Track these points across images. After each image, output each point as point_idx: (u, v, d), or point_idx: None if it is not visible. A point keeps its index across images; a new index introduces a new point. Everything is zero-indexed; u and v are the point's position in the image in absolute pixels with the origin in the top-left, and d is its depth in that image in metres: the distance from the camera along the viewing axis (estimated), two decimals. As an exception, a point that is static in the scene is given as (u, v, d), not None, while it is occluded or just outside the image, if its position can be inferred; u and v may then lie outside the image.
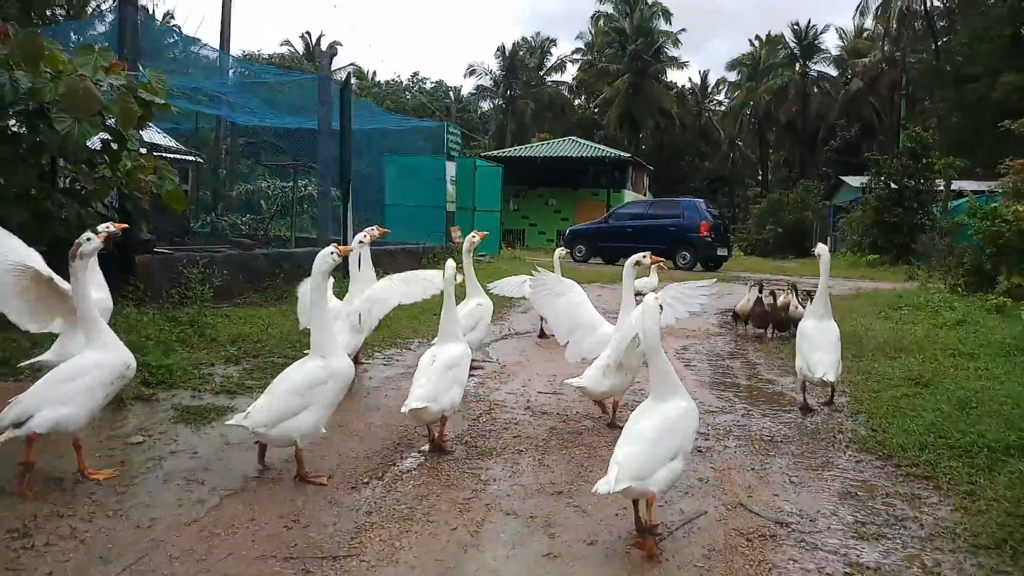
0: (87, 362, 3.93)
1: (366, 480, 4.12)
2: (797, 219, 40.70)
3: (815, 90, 58.26)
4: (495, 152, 40.49)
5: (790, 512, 3.87)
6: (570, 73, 65.01)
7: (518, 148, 41.31)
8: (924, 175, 26.52)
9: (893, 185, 27.24)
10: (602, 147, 39.63)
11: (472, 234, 7.21)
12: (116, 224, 4.36)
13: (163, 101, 7.46)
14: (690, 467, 4.40)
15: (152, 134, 17.66)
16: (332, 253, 4.34)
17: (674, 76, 70.52)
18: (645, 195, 40.46)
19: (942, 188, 26.57)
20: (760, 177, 65.14)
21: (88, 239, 4.08)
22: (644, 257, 5.62)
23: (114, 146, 7.20)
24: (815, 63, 58.33)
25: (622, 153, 38.82)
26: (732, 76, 62.96)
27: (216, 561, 3.16)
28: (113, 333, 4.13)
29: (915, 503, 4.00)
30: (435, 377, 4.51)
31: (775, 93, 55.98)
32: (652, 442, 3.40)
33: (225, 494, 3.83)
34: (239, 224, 17.62)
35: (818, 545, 3.50)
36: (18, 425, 3.68)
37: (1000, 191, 19.58)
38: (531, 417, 5.45)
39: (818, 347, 5.74)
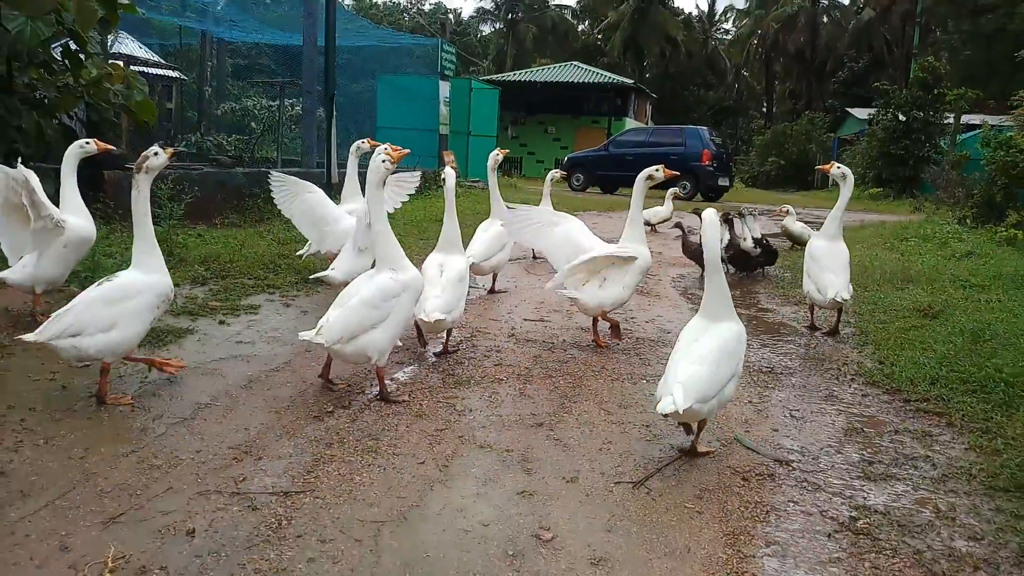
0: (136, 284, 3.75)
1: (330, 409, 3.78)
2: (801, 151, 40.00)
3: (825, 19, 56.63)
4: (494, 76, 39.40)
5: (790, 449, 3.54)
6: (574, -3, 63.19)
7: (518, 72, 40.18)
8: (934, 107, 25.79)
9: (901, 117, 26.53)
10: (605, 73, 38.52)
11: (496, 151, 6.86)
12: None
13: (127, 1, 6.92)
14: (683, 399, 4.08)
15: (134, 48, 16.94)
16: (384, 161, 4.12)
17: (681, 2, 68.58)
18: (648, 124, 39.57)
19: (951, 121, 25.90)
20: (765, 109, 63.93)
21: (156, 153, 3.87)
22: (657, 170, 5.26)
23: (74, 47, 6.68)
24: (827, -10, 56.52)
25: (625, 80, 37.79)
26: (740, 3, 61.31)
27: (152, 497, 2.83)
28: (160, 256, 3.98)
29: (926, 441, 3.67)
30: (449, 288, 4.56)
31: (784, 21, 54.38)
32: (714, 364, 3.29)
33: (172, 422, 3.49)
34: (225, 144, 17.04)
35: (821, 485, 3.18)
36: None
37: (1012, 124, 19.07)
38: (515, 345, 5.10)
39: (828, 268, 5.43)
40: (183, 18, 16.11)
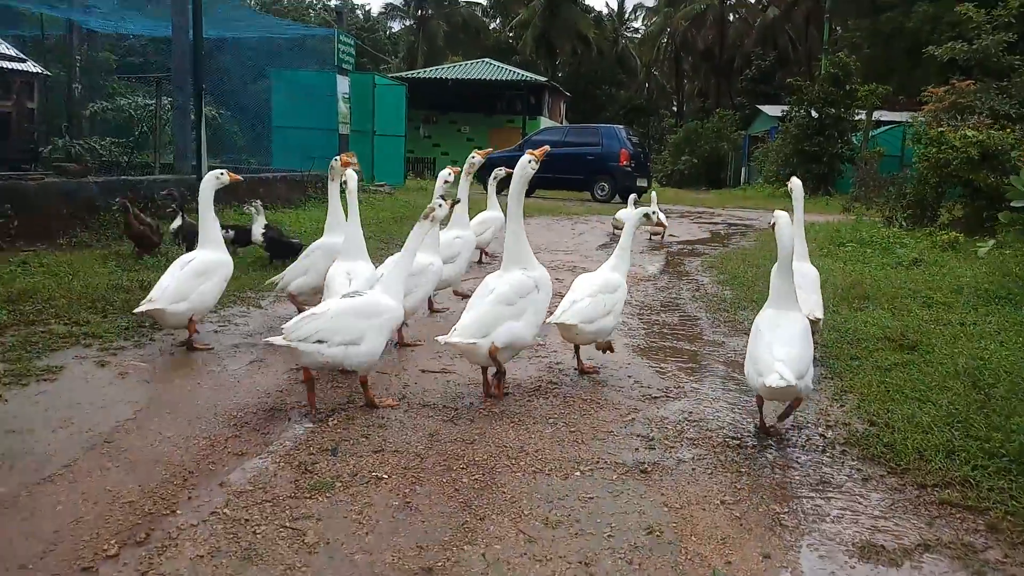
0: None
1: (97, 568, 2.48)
2: (713, 149, 40.08)
3: (732, 17, 57.33)
4: (402, 73, 37.93)
5: (792, 591, 2.44)
6: (485, -7, 62.29)
7: (428, 70, 38.80)
8: (845, 103, 25.77)
9: (814, 113, 26.44)
10: (517, 70, 37.55)
11: (473, 154, 6.33)
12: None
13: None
14: (633, 504, 2.94)
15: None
16: (530, 161, 4.20)
17: (591, 0, 68.62)
18: (562, 123, 38.80)
19: (862, 117, 25.94)
20: (675, 107, 64.42)
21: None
22: (654, 212, 5.29)
23: None
24: (734, -12, 57.23)
25: (538, 77, 36.89)
26: (650, 2, 61.56)
27: None
28: None
29: (970, 562, 2.63)
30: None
31: (693, 19, 54.74)
32: (803, 346, 3.58)
33: None
34: (99, 149, 15.19)
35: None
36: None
37: (921, 120, 18.97)
38: (405, 413, 3.85)
39: (799, 287, 4.58)
40: (39, 4, 14.20)
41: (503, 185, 6.56)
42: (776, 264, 3.86)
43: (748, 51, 54.37)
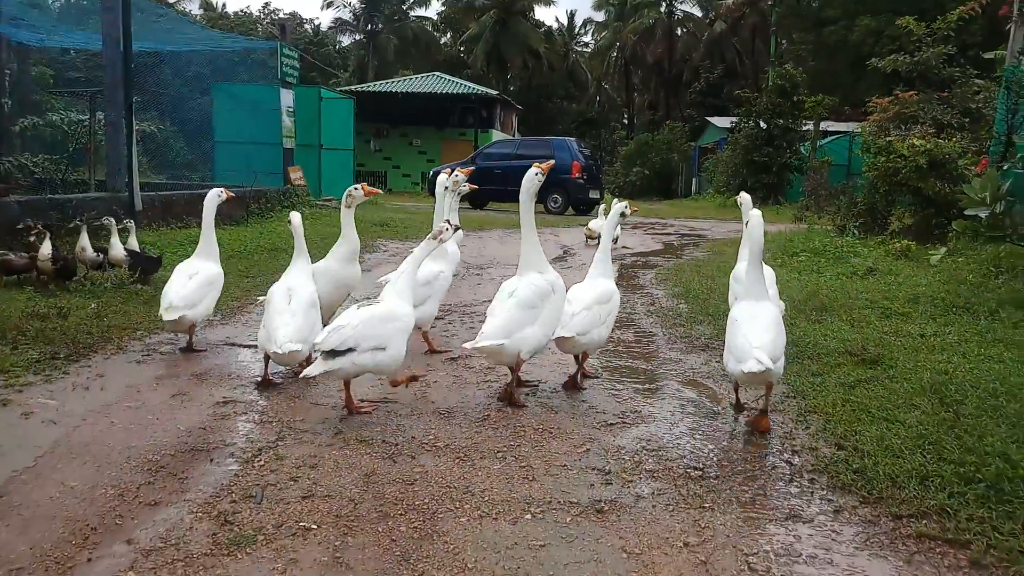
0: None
1: None
2: (664, 161, 40.42)
3: (681, 31, 58.05)
4: (352, 87, 37.48)
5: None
6: (435, 9, 62.29)
7: (378, 83, 38.41)
8: (793, 114, 26.11)
9: (762, 124, 26.74)
10: (468, 84, 37.38)
11: (456, 172, 6.02)
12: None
13: None
14: (589, 550, 2.66)
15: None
16: (537, 174, 4.43)
17: (541, 15, 69.07)
18: (514, 136, 38.71)
19: (809, 127, 26.31)
20: (626, 120, 64.97)
21: None
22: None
23: None
24: (681, 3, 58.01)
25: (489, 90, 36.75)
26: (599, 16, 62.08)
27: None
28: None
29: (956, 603, 2.41)
30: (300, 314, 4.35)
31: (642, 33, 55.28)
32: (777, 332, 3.88)
33: None
34: (31, 166, 14.52)
35: None
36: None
37: (868, 129, 19.27)
38: (340, 450, 3.53)
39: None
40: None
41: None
42: (748, 260, 4.20)
43: (696, 64, 55.16)
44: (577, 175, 20.69)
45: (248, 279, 7.67)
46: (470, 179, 6.43)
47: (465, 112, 35.37)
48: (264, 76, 16.72)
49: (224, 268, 7.93)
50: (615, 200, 5.35)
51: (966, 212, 6.76)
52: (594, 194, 21.03)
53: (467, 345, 4.08)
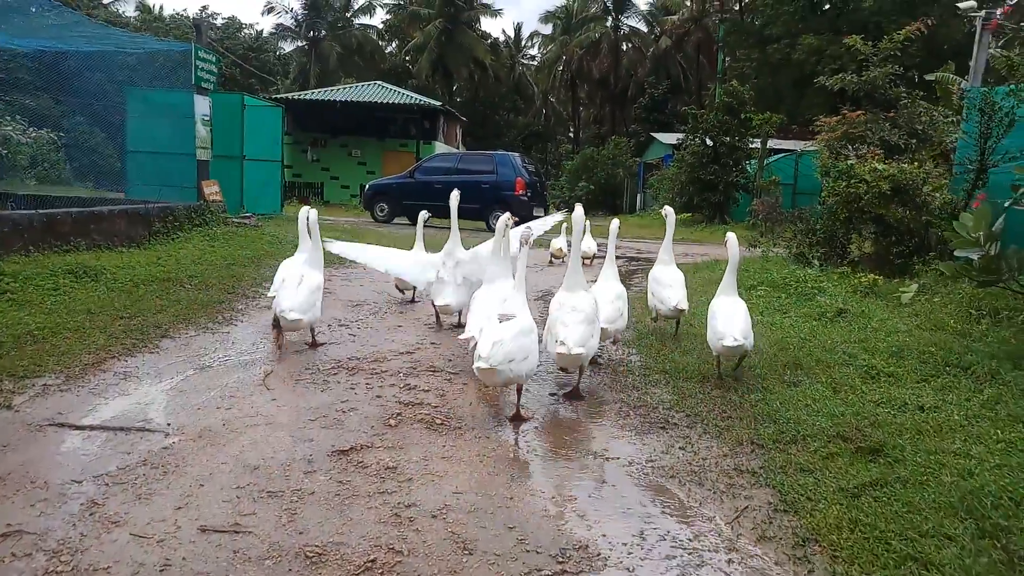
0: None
1: None
2: (609, 176, 40.02)
3: (627, 46, 57.96)
4: (287, 95, 36.02)
5: None
6: (380, 17, 61.12)
7: (315, 91, 37.01)
8: (740, 131, 25.65)
9: (709, 142, 26.24)
10: (411, 94, 36.26)
11: (506, 215, 5.92)
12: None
13: None
14: None
15: None
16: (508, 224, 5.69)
17: (488, 27, 68.49)
18: (458, 148, 37.71)
19: (756, 145, 25.89)
20: (572, 134, 64.68)
21: None
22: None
23: None
24: (627, 17, 57.94)
25: (432, 101, 35.66)
26: (546, 29, 61.74)
27: None
28: None
29: None
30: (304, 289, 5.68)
31: (588, 47, 55.02)
32: (746, 318, 5.30)
33: None
34: None
35: None
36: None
37: (813, 148, 18.90)
38: None
39: (668, 285, 6.71)
40: None
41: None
42: (727, 270, 5.52)
43: (642, 80, 55.13)
44: (520, 192, 19.73)
45: (121, 320, 6.38)
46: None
47: (408, 123, 34.24)
48: (182, 79, 15.35)
49: (95, 304, 6.75)
50: (558, 212, 5.60)
51: (955, 253, 5.94)
52: (538, 211, 20.06)
53: (559, 349, 4.57)
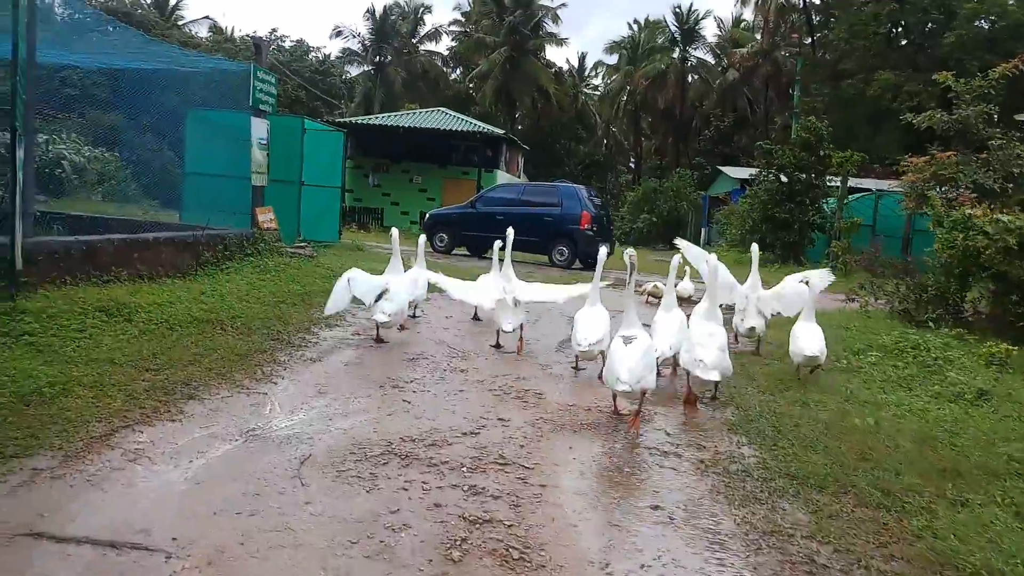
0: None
1: None
2: (672, 208, 38.88)
3: (693, 78, 56.91)
4: (351, 119, 35.84)
5: None
6: (445, 44, 61.35)
7: (380, 116, 36.77)
8: (817, 169, 24.33)
9: (783, 178, 24.96)
10: (474, 121, 35.77)
11: (630, 250, 5.93)
12: None
13: None
14: None
15: None
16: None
17: (552, 56, 68.22)
18: (520, 176, 37.00)
19: (836, 183, 24.49)
20: (632, 164, 63.76)
21: None
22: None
23: None
24: (695, 49, 57.00)
25: (495, 129, 35.08)
26: (610, 59, 61.18)
27: None
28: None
29: None
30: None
31: (654, 78, 54.09)
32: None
33: None
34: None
35: None
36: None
37: (899, 190, 17.63)
38: None
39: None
40: None
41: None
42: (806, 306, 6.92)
43: (707, 112, 53.94)
44: (586, 226, 18.74)
45: (146, 374, 5.57)
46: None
47: (469, 150, 33.67)
48: (242, 100, 14.87)
49: (121, 351, 5.97)
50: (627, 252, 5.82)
51: None
52: (604, 247, 18.97)
53: (705, 359, 5.64)
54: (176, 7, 56.10)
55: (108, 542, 3.17)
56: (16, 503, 3.46)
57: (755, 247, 8.98)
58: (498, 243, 8.57)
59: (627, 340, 5.13)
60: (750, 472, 4.52)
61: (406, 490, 3.90)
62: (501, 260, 8.47)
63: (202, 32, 57.05)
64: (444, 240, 20.51)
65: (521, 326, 7.70)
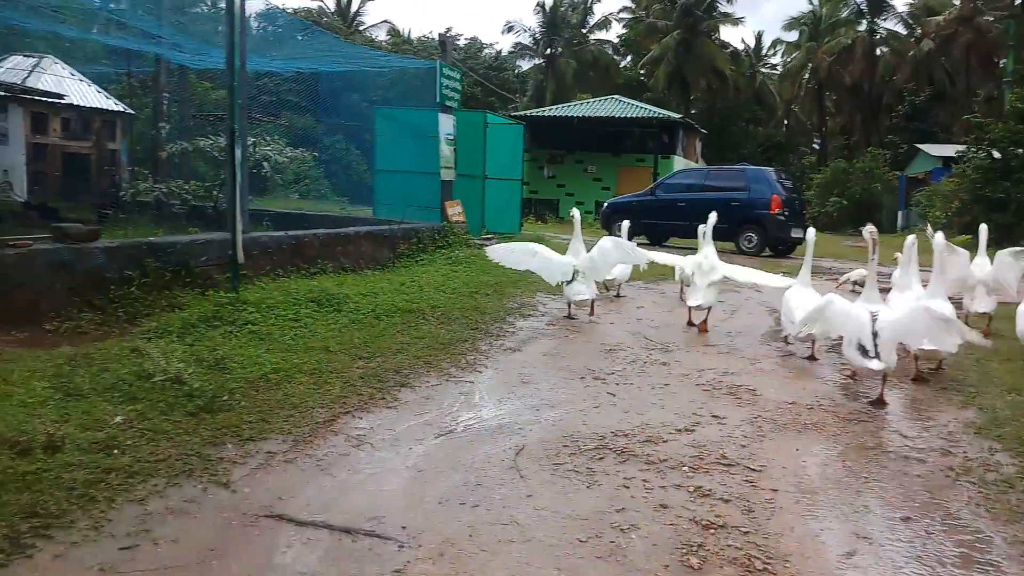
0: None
1: None
2: (864, 190, 36.28)
3: (882, 51, 52.73)
4: (526, 112, 36.18)
5: None
6: (615, 32, 60.68)
7: (553, 108, 36.89)
8: (1040, 142, 21.85)
9: (996, 154, 22.61)
10: (648, 107, 35.03)
11: (870, 226, 6.12)
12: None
13: None
14: None
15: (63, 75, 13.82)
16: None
17: (727, 36, 65.79)
18: (697, 162, 35.87)
19: (1055, 158, 21.91)
20: (817, 145, 60.22)
21: None
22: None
23: None
24: (883, 20, 52.77)
25: (671, 114, 34.22)
26: (789, 36, 57.90)
27: None
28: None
29: None
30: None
31: (839, 53, 50.72)
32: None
33: None
34: (180, 192, 13.79)
35: None
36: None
37: None
38: None
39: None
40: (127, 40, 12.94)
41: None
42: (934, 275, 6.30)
43: (900, 87, 49.80)
44: (777, 210, 17.77)
45: (360, 362, 5.75)
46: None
47: (644, 137, 33.02)
48: (430, 100, 15.34)
49: (335, 339, 6.22)
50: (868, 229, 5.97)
51: None
52: (796, 233, 17.84)
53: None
54: (357, 13, 58.98)
55: (343, 528, 3.22)
56: (256, 484, 3.62)
57: (983, 228, 8.90)
58: (702, 227, 8.66)
59: (874, 316, 5.28)
60: (1012, 483, 3.97)
61: (627, 488, 3.72)
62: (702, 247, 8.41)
63: (381, 36, 59.69)
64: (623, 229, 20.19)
65: (709, 309, 7.93)
